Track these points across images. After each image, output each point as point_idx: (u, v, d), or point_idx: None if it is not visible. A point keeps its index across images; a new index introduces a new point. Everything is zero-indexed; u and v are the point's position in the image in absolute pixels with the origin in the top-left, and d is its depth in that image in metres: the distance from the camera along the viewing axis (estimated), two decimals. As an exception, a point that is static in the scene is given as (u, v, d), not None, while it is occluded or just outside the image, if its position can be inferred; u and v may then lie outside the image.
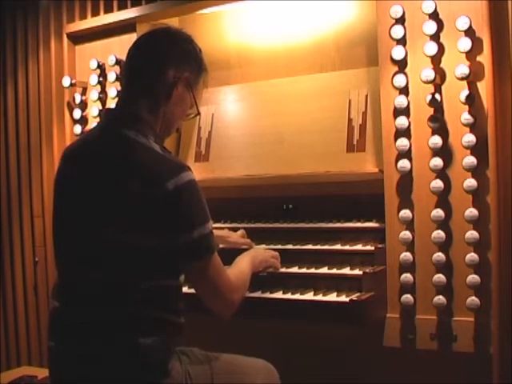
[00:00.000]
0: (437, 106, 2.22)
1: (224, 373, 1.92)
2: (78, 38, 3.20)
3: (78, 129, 3.15)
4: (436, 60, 2.23)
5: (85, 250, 1.78)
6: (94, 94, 3.10)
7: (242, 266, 2.06)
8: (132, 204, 1.70)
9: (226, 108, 3.00)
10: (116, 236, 1.71)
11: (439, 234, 2.20)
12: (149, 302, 1.75)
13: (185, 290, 2.51)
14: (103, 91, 3.11)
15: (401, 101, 2.28)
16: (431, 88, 2.23)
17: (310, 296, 2.26)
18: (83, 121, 3.17)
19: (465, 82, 2.16)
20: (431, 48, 2.21)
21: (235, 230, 2.54)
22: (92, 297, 1.76)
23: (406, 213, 2.26)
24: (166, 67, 1.85)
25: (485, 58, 2.12)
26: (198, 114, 1.99)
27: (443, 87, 2.22)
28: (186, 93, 1.91)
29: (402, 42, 2.29)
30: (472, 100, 2.15)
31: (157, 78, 1.85)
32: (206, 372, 1.89)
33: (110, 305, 1.74)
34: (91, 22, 3.11)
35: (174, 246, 1.73)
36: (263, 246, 2.53)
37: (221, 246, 2.36)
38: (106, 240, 1.73)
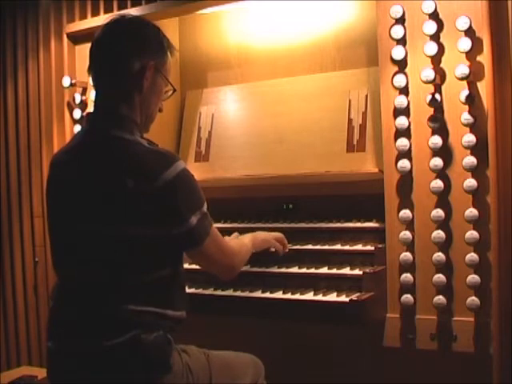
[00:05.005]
0: (437, 106, 2.22)
1: (220, 369, 1.97)
2: (78, 37, 3.19)
3: (77, 129, 3.14)
4: (436, 60, 2.23)
5: (83, 249, 1.79)
6: (93, 94, 3.07)
7: (243, 238, 2.25)
8: (128, 199, 1.72)
9: (226, 108, 3.00)
10: (114, 232, 1.73)
11: (439, 234, 2.20)
12: (149, 296, 1.76)
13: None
14: (103, 91, 3.10)
15: (401, 101, 2.28)
16: (431, 88, 2.22)
17: (310, 296, 2.26)
18: (83, 121, 3.15)
19: (465, 82, 2.16)
20: (431, 48, 2.21)
21: (235, 230, 2.54)
22: (91, 295, 1.77)
23: (405, 213, 2.26)
24: (129, 61, 1.84)
25: (485, 58, 2.12)
26: (175, 90, 2.02)
27: (443, 87, 2.22)
28: (157, 78, 1.90)
29: (402, 42, 2.29)
30: (472, 100, 2.15)
31: (123, 74, 1.85)
32: (205, 368, 1.93)
33: (110, 303, 1.74)
34: (91, 22, 3.10)
35: (174, 234, 1.77)
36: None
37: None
38: (105, 238, 1.74)
